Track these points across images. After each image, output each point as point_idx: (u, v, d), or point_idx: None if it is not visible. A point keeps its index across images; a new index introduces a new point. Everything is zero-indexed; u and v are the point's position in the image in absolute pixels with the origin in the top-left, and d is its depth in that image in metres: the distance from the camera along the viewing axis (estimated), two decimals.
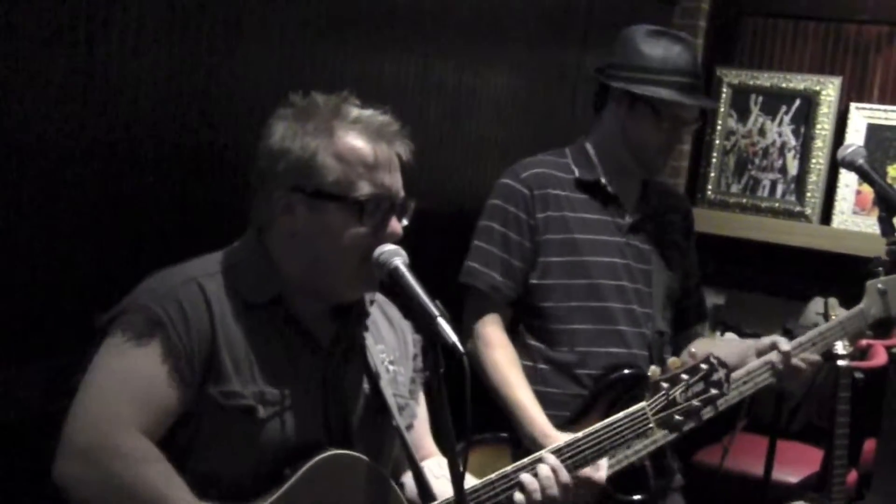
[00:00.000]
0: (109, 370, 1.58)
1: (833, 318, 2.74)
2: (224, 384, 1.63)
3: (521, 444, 2.35)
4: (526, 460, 1.85)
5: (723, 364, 2.00)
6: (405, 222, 1.73)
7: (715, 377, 1.96)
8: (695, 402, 1.95)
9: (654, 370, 1.99)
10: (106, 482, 1.50)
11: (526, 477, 1.83)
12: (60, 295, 1.88)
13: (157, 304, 1.61)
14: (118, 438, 1.52)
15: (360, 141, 1.68)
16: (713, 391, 1.97)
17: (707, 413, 2.00)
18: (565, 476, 1.85)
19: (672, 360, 2.00)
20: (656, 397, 1.97)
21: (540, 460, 1.86)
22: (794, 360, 2.43)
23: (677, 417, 1.95)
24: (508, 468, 1.83)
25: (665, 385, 1.96)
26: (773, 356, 2.44)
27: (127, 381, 1.57)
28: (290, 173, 1.67)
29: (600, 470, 2.11)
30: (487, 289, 2.47)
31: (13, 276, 1.80)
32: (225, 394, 1.62)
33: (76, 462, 1.50)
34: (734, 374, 2.38)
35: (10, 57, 1.73)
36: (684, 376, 1.96)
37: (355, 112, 1.71)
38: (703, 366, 1.97)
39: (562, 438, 2.01)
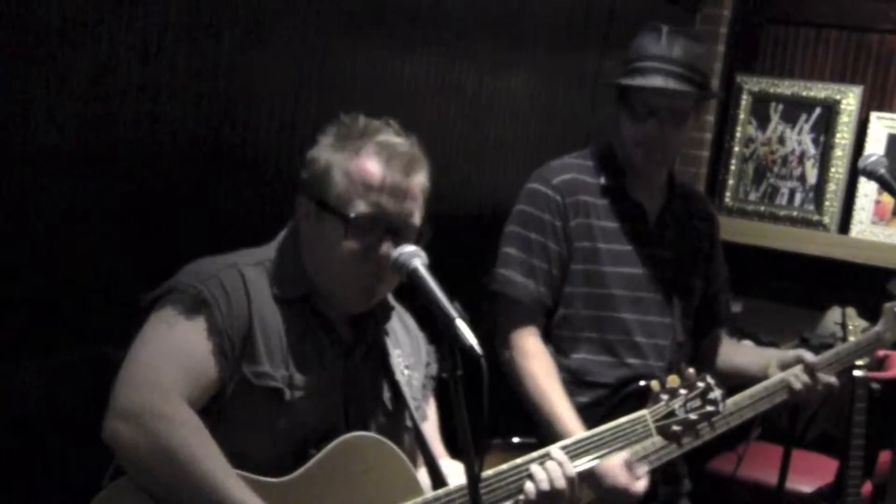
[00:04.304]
0: (157, 340, 1.68)
1: (850, 328, 2.74)
2: (256, 365, 1.73)
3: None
4: (535, 454, 1.90)
5: (718, 385, 2.12)
6: (403, 247, 1.70)
7: (711, 396, 2.09)
8: (692, 416, 2.08)
9: (654, 384, 2.09)
10: (149, 442, 1.58)
11: (535, 468, 1.87)
12: (66, 293, 1.89)
13: (203, 285, 1.71)
14: (162, 402, 1.60)
15: (373, 164, 1.75)
16: (709, 408, 2.09)
17: (704, 428, 2.11)
18: (571, 470, 1.90)
19: (672, 378, 2.08)
20: (657, 406, 2.07)
21: (548, 454, 1.91)
22: (810, 382, 2.46)
23: (675, 427, 2.07)
24: (519, 460, 1.88)
25: (664, 397, 2.07)
26: (791, 373, 2.45)
27: (173, 351, 1.66)
28: (309, 182, 1.79)
29: (640, 481, 2.15)
30: (529, 301, 2.44)
31: (19, 274, 1.82)
32: (256, 374, 1.72)
33: (123, 423, 1.59)
34: (753, 390, 2.43)
35: (34, 53, 1.74)
36: (682, 391, 2.08)
37: (383, 137, 1.78)
38: (700, 384, 2.09)
39: None
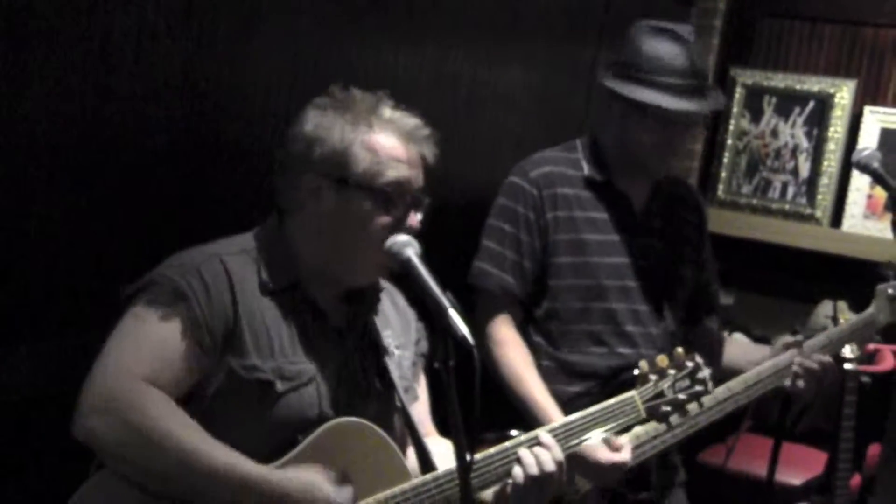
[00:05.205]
0: (131, 335, 1.66)
1: (842, 321, 2.74)
2: (244, 358, 1.71)
3: None
4: (523, 437, 1.91)
5: (707, 365, 2.12)
6: (420, 216, 1.81)
7: (700, 375, 2.09)
8: (681, 396, 2.07)
9: (642, 364, 2.09)
10: (123, 432, 1.57)
11: (524, 452, 1.88)
12: (53, 280, 1.89)
13: (182, 278, 1.69)
14: (129, 390, 1.59)
15: (392, 138, 1.78)
16: (698, 388, 2.09)
17: (693, 409, 2.10)
18: (559, 454, 1.90)
19: (660, 358, 2.09)
20: (645, 387, 2.07)
21: (537, 438, 1.91)
22: (807, 362, 2.47)
23: (664, 408, 2.07)
24: (507, 443, 1.89)
25: (653, 377, 2.07)
26: (784, 357, 2.47)
27: (147, 345, 1.65)
28: (324, 161, 1.76)
29: (621, 452, 2.15)
30: (499, 291, 2.47)
31: (13, 262, 1.81)
32: (245, 367, 1.71)
33: (94, 416, 1.58)
34: (748, 375, 2.44)
35: (25, 46, 1.73)
36: (671, 371, 2.08)
37: (389, 112, 1.81)
38: (689, 364, 2.09)
39: None
